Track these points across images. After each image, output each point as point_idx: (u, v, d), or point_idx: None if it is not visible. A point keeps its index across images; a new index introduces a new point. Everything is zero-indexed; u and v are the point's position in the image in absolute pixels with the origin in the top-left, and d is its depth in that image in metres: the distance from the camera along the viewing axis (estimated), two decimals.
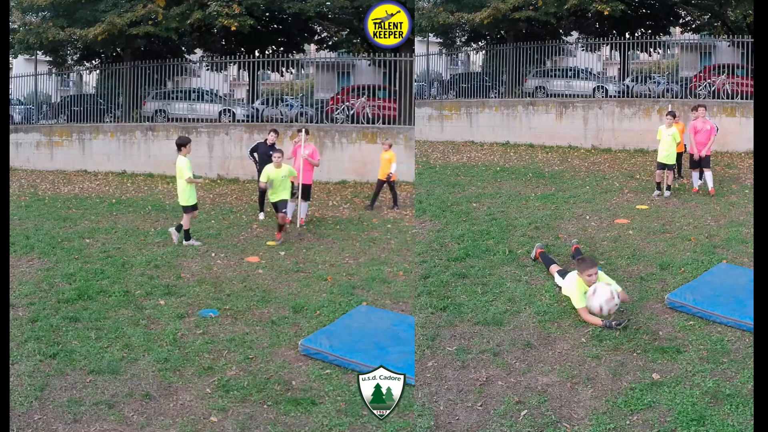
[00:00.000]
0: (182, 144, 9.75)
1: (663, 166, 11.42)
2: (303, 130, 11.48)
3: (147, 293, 7.39)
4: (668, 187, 11.43)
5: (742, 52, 17.71)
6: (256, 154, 11.91)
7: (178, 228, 9.81)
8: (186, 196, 9.77)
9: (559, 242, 8.61)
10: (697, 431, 4.39)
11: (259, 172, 11.61)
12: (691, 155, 11.75)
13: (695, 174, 11.67)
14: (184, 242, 9.67)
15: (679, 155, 12.06)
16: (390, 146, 12.91)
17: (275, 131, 12.02)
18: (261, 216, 11.65)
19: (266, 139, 11.88)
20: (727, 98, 17.02)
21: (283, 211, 10.13)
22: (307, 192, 11.23)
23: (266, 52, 20.81)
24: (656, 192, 11.46)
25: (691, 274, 7.18)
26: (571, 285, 6.32)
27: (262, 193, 11.45)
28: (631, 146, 16.88)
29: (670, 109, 12.30)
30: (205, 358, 5.76)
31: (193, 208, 9.88)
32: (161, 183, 15.64)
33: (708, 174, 11.52)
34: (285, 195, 10.24)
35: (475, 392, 5.00)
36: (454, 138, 19.59)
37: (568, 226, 9.50)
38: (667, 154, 11.38)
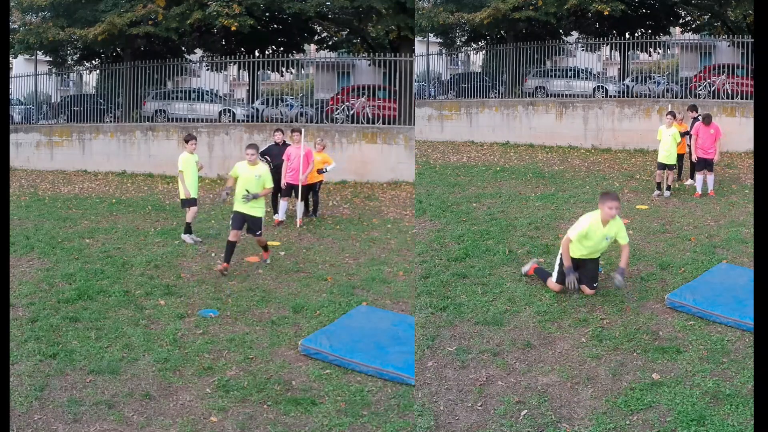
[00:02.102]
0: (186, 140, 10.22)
1: (663, 167, 11.44)
2: (301, 130, 11.32)
3: (147, 293, 7.39)
4: (668, 187, 11.44)
5: (742, 52, 17.72)
6: (268, 157, 11.61)
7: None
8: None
9: (558, 243, 8.58)
10: (697, 431, 4.39)
11: (273, 173, 11.45)
12: (693, 158, 11.76)
13: (699, 177, 11.61)
14: (183, 236, 9.85)
15: (680, 156, 12.05)
16: (323, 147, 12.12)
17: (281, 130, 11.65)
18: (276, 217, 11.21)
19: (275, 141, 11.56)
20: (727, 98, 17.02)
21: (258, 233, 8.38)
22: (291, 191, 11.09)
23: (266, 52, 20.80)
24: (656, 192, 11.47)
25: (691, 274, 7.18)
26: (584, 218, 6.61)
27: (275, 194, 11.17)
28: (631, 146, 16.88)
29: (670, 109, 12.31)
30: (205, 358, 5.76)
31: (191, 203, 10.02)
32: (161, 183, 15.63)
33: (710, 177, 11.53)
34: (260, 210, 8.38)
35: (475, 392, 5.00)
36: (454, 138, 19.59)
37: (568, 226, 9.42)
38: (667, 154, 11.40)
